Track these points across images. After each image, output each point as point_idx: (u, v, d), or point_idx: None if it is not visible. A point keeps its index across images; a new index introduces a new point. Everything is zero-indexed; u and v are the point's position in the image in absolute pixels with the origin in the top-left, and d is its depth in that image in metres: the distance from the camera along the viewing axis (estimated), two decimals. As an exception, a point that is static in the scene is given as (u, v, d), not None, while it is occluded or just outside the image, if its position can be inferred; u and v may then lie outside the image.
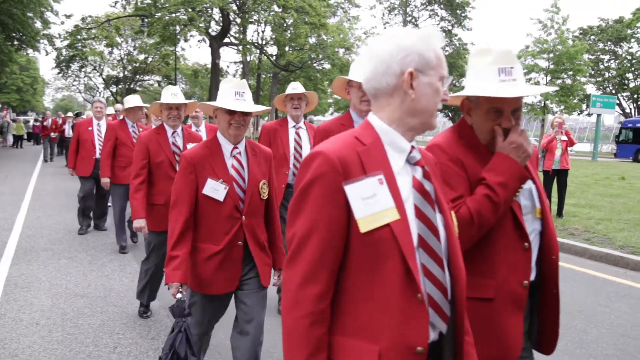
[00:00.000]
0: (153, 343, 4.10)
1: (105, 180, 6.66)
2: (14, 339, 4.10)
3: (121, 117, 8.84)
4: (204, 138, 5.78)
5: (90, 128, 7.83)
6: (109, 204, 7.94)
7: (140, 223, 4.24)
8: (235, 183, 2.82)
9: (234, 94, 2.79)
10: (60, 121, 21.10)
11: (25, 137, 33.64)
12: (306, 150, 4.69)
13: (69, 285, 5.46)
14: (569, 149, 9.43)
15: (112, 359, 3.82)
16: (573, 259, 7.22)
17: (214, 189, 2.77)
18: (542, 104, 37.77)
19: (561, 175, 9.43)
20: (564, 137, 9.34)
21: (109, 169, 6.63)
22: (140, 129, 6.80)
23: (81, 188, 7.87)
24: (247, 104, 2.82)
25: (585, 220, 9.17)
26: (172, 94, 4.35)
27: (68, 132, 18.54)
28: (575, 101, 38.04)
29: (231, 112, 2.79)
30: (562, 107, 37.37)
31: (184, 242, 2.76)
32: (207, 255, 2.82)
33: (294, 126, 4.82)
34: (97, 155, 7.57)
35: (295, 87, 4.81)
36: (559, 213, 9.40)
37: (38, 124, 36.56)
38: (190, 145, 4.21)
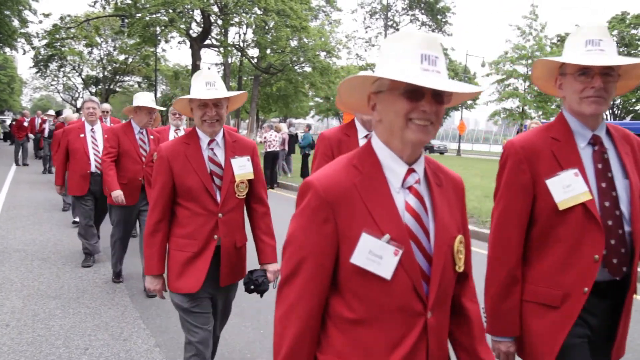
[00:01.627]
0: (125, 344, 4.08)
1: (116, 194, 5.15)
2: (-17, 341, 4.05)
3: (107, 118, 8.72)
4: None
5: (82, 135, 6.22)
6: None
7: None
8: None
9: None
10: (39, 121, 18.52)
11: (2, 137, 33.09)
12: None
13: (41, 287, 5.40)
14: None
15: (82, 360, 3.79)
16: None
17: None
18: (521, 109, 38.33)
19: None
20: None
21: (115, 180, 5.22)
22: (151, 137, 5.55)
23: (77, 212, 6.74)
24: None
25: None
26: (207, 83, 2.79)
27: (48, 133, 16.60)
28: (553, 107, 38.68)
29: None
30: (540, 112, 37.96)
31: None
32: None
33: (366, 136, 3.32)
34: (93, 169, 6.13)
35: None
36: None
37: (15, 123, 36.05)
38: (238, 160, 2.95)
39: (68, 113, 10.61)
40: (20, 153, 18.68)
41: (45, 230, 8.09)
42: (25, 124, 18.52)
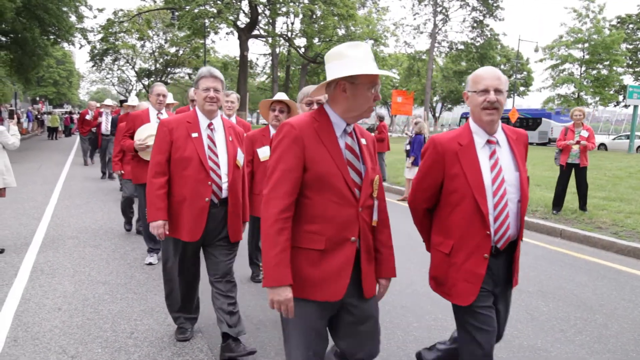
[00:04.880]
0: (168, 329, 4.18)
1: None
2: (37, 323, 4.23)
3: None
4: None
5: (194, 134, 4.45)
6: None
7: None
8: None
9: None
10: (91, 114, 15.24)
11: (62, 129, 34.53)
12: None
13: (92, 273, 5.60)
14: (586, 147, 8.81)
15: (128, 344, 3.91)
16: (599, 252, 7.06)
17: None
18: (577, 96, 36.85)
19: (579, 171, 8.93)
20: (585, 133, 8.78)
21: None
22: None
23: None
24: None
25: (614, 214, 8.93)
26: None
27: (106, 127, 13.34)
28: (611, 92, 37.00)
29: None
30: (597, 98, 36.38)
31: None
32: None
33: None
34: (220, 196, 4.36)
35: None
36: (582, 207, 9.13)
37: (66, 116, 37.39)
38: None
39: (135, 101, 8.91)
40: (88, 152, 16.55)
41: (97, 218, 8.39)
42: (88, 116, 15.28)
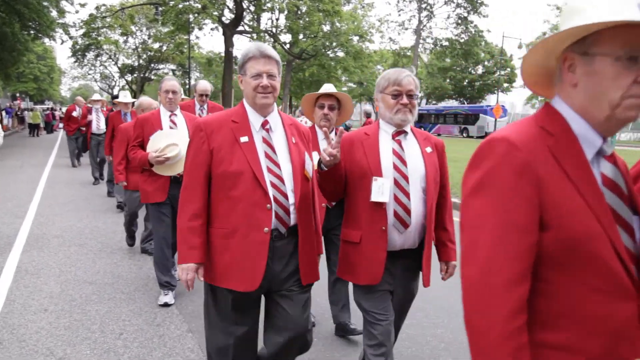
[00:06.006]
0: (158, 330, 4.13)
1: None
2: (22, 325, 4.15)
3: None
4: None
5: (244, 139, 3.45)
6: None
7: None
8: None
9: None
10: (79, 111, 13.37)
11: (43, 125, 34.05)
12: None
13: (78, 272, 5.51)
14: None
15: (117, 345, 3.85)
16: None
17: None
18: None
19: None
20: None
21: None
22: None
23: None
24: None
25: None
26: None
27: (97, 125, 11.64)
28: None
29: None
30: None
31: None
32: None
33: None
34: (280, 222, 3.26)
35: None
36: None
37: (48, 112, 36.81)
38: None
39: (127, 98, 8.65)
40: (75, 152, 14.99)
41: (82, 216, 8.27)
42: (75, 113, 13.49)
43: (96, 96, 12.64)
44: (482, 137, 40.13)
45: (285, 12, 29.99)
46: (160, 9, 29.12)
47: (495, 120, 40.84)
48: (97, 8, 34.24)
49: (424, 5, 44.38)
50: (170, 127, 4.68)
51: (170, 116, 4.74)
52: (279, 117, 2.70)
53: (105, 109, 12.06)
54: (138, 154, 4.55)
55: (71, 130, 13.74)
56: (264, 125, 2.59)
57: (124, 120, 8.08)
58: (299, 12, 29.89)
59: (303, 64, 37.26)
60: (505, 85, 50.79)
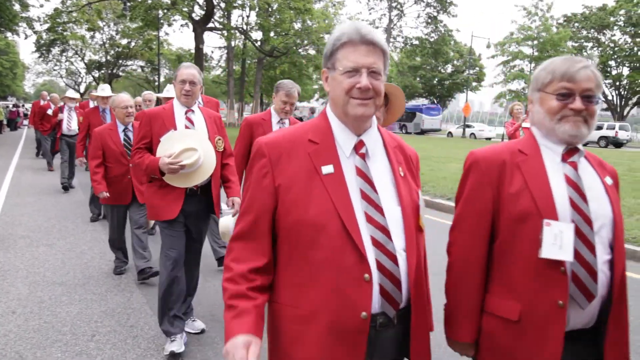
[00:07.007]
0: (132, 331, 4.06)
1: None
2: (-11, 328, 4.03)
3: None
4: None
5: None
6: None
7: None
8: None
9: None
10: (51, 107, 12.55)
11: (6, 122, 33.09)
12: None
13: (47, 273, 5.38)
14: None
15: (89, 347, 3.77)
16: (633, 266, 6.04)
17: None
18: (527, 91, 38.10)
19: None
20: (527, 124, 9.15)
21: None
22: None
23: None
24: None
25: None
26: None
27: (67, 126, 10.55)
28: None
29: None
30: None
31: None
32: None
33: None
34: None
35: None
36: None
37: (15, 109, 35.83)
38: None
39: (107, 91, 7.97)
40: (48, 153, 13.70)
41: (50, 216, 8.07)
42: (50, 111, 12.36)
43: (72, 93, 11.61)
44: (418, 133, 44.21)
45: (256, 9, 29.79)
46: (128, 4, 28.60)
47: (465, 118, 41.48)
48: (63, 2, 33.48)
49: (394, 4, 44.75)
50: (186, 127, 3.74)
51: (186, 113, 3.77)
52: (380, 135, 1.75)
53: (78, 105, 11.13)
54: (146, 158, 3.64)
55: (46, 130, 12.88)
56: (358, 148, 1.65)
57: (102, 118, 7.53)
58: (270, 10, 29.74)
59: (274, 61, 37.14)
60: (474, 84, 51.58)
